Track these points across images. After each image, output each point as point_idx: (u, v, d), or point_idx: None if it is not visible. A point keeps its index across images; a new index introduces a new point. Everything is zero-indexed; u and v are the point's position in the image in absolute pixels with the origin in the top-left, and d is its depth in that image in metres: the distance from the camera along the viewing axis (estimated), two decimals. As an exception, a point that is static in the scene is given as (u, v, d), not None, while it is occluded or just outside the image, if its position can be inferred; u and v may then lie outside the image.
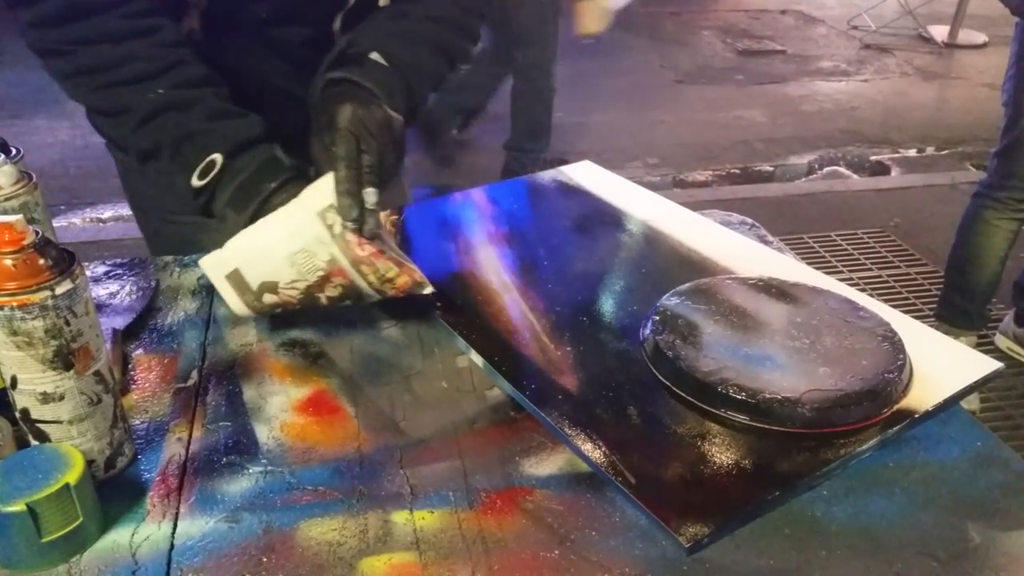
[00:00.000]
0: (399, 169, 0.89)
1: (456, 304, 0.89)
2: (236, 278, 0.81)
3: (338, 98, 0.86)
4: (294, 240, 0.80)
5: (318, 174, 0.83)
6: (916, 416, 0.73)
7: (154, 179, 0.95)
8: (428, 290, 0.83)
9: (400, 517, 0.65)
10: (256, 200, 0.84)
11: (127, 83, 0.87)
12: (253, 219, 0.83)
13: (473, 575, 0.60)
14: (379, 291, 0.82)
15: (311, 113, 0.93)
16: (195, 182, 0.86)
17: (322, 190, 0.81)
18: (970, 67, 5.40)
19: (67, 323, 0.62)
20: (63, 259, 0.63)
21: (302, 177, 0.86)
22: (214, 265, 0.82)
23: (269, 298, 0.82)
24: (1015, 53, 2.18)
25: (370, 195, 0.81)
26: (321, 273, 0.80)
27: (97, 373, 0.65)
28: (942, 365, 0.78)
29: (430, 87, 1.00)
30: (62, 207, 3.41)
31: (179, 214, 1.07)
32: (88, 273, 0.97)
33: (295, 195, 0.82)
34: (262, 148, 0.87)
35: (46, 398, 0.63)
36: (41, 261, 0.61)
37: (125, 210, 3.27)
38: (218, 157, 0.85)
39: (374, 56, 0.93)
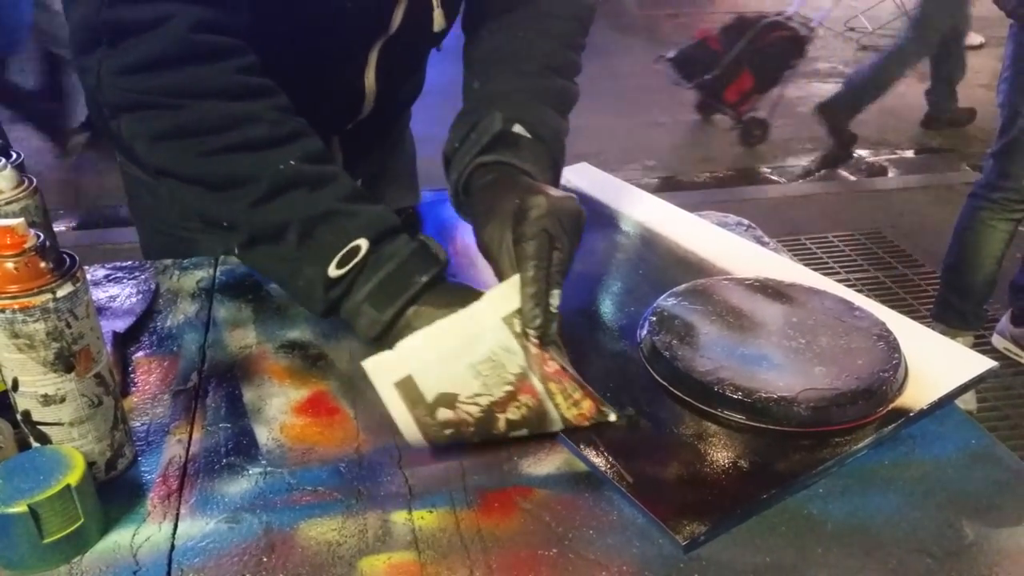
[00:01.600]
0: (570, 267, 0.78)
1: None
2: (408, 386, 0.69)
3: (506, 185, 0.79)
4: (479, 347, 0.70)
5: (497, 271, 0.75)
6: (911, 415, 0.73)
7: (262, 264, 0.82)
8: (612, 417, 0.72)
9: (399, 517, 0.66)
10: (404, 296, 0.74)
11: (248, 149, 0.75)
12: (396, 320, 0.75)
13: (471, 573, 0.61)
14: (563, 417, 0.71)
15: (459, 200, 0.86)
16: (332, 272, 0.74)
17: (508, 292, 0.71)
18: (967, 68, 5.41)
19: (68, 326, 0.62)
20: (64, 262, 0.63)
21: (445, 271, 0.78)
22: (382, 368, 0.70)
23: (444, 414, 0.69)
24: (1011, 55, 2.19)
25: (555, 297, 0.72)
26: (509, 388, 0.70)
27: (98, 375, 0.66)
28: (937, 364, 0.79)
29: (564, 147, 0.92)
30: (60, 211, 3.42)
31: (175, 227, 1.06)
32: (88, 276, 0.97)
33: (449, 293, 0.74)
34: (409, 236, 0.78)
35: (47, 400, 0.64)
36: (42, 264, 0.61)
37: (123, 214, 3.28)
38: (363, 243, 0.75)
39: (518, 130, 0.85)
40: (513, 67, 0.92)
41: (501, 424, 0.71)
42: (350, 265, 0.75)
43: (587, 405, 0.71)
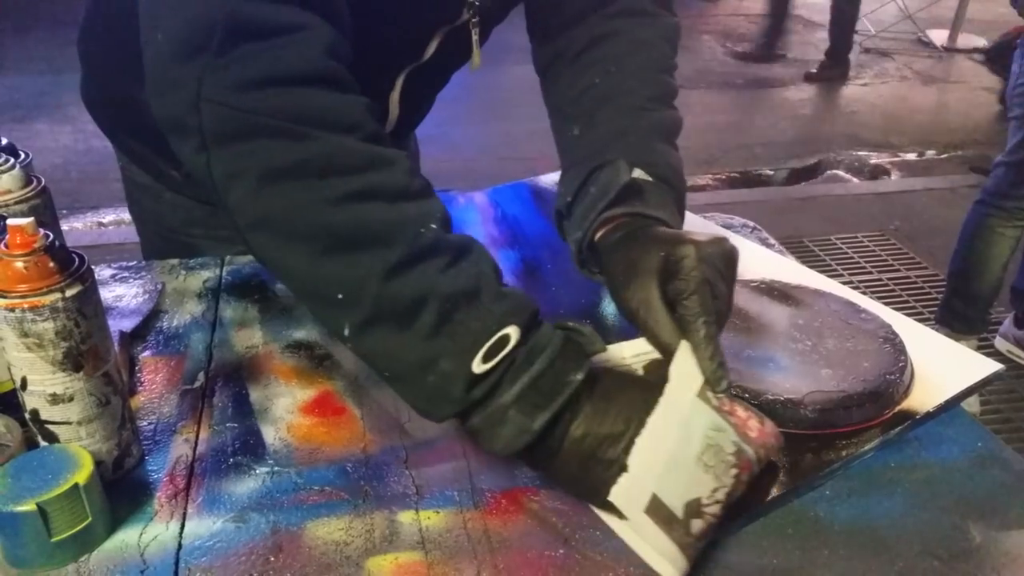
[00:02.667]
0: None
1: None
2: (657, 507, 0.60)
3: (643, 238, 0.70)
4: (693, 435, 0.62)
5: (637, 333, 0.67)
6: (917, 417, 0.73)
7: (382, 350, 0.65)
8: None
9: (406, 517, 0.66)
10: (560, 398, 0.62)
11: (386, 199, 0.62)
12: (551, 426, 0.62)
13: (478, 574, 0.61)
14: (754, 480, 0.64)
15: (582, 257, 0.78)
16: (477, 367, 0.61)
17: (687, 364, 0.64)
18: (969, 71, 5.42)
19: (77, 325, 0.62)
20: (73, 262, 0.63)
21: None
22: (629, 497, 0.61)
23: (696, 525, 0.60)
24: None
25: (720, 350, 0.64)
26: (735, 471, 0.62)
27: (106, 375, 0.66)
28: (943, 367, 0.79)
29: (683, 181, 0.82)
30: (63, 211, 3.41)
31: (176, 231, 1.05)
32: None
33: (606, 391, 0.63)
34: (553, 326, 0.65)
35: (55, 399, 0.64)
36: (51, 264, 0.61)
37: (126, 214, 3.28)
38: (514, 332, 0.62)
39: (638, 174, 0.76)
40: (615, 105, 0.84)
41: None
42: (498, 358, 0.61)
43: (768, 451, 0.65)
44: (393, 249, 0.61)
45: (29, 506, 0.58)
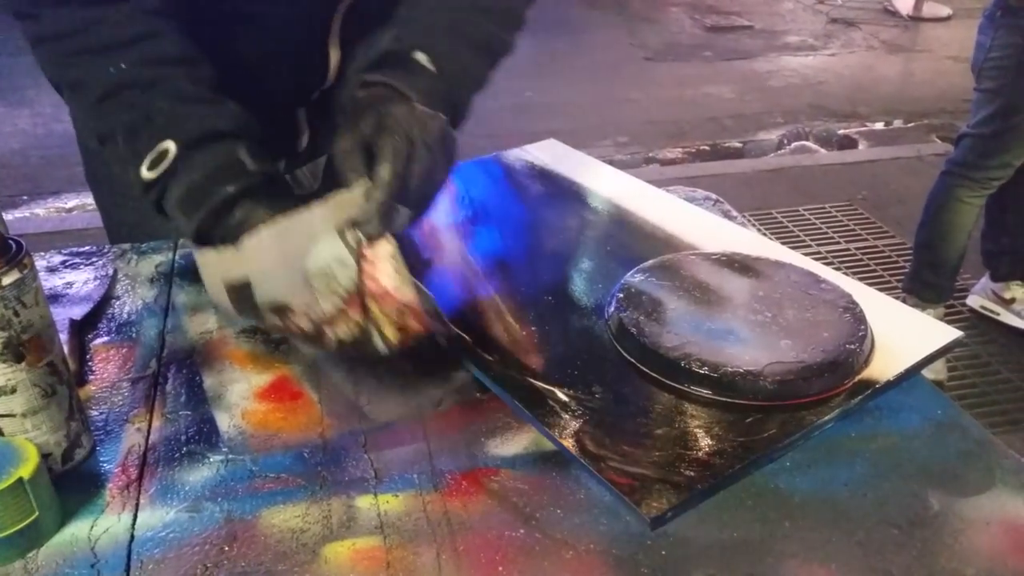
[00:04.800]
0: (435, 197, 0.76)
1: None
2: (239, 291, 0.68)
3: (382, 100, 0.75)
4: (315, 258, 0.67)
5: (333, 181, 0.71)
6: (878, 386, 0.73)
7: (112, 165, 0.83)
8: (443, 340, 0.73)
9: (364, 502, 0.65)
10: (207, 206, 0.72)
11: (89, 53, 0.77)
12: (201, 229, 0.73)
13: (438, 556, 0.60)
14: (386, 339, 0.69)
15: (339, 114, 0.80)
16: (145, 173, 0.74)
17: (351, 199, 0.68)
18: (934, 40, 5.46)
19: (16, 314, 0.60)
20: (10, 249, 0.61)
21: (274, 185, 0.76)
22: (215, 267, 0.70)
23: (271, 318, 0.69)
24: (1014, 44, 2.17)
25: (402, 216, 0.70)
26: (340, 304, 0.67)
27: (50, 364, 0.64)
28: (903, 335, 0.79)
29: (474, 93, 0.86)
30: (24, 197, 3.36)
31: (131, 196, 1.04)
32: (44, 262, 0.95)
33: (262, 207, 0.71)
34: (226, 143, 0.75)
35: (-3, 391, 0.62)
36: (-14, 251, 0.59)
37: (89, 199, 3.22)
38: (171, 146, 0.73)
39: (419, 57, 0.80)
40: (443, 1, 0.87)
41: (329, 341, 0.69)
42: (160, 169, 0.73)
43: (413, 326, 0.68)
44: (93, 89, 0.77)
45: (-30, 502, 0.57)
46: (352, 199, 0.68)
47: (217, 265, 0.70)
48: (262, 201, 0.72)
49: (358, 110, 0.75)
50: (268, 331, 0.69)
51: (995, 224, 2.50)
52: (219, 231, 0.73)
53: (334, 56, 0.96)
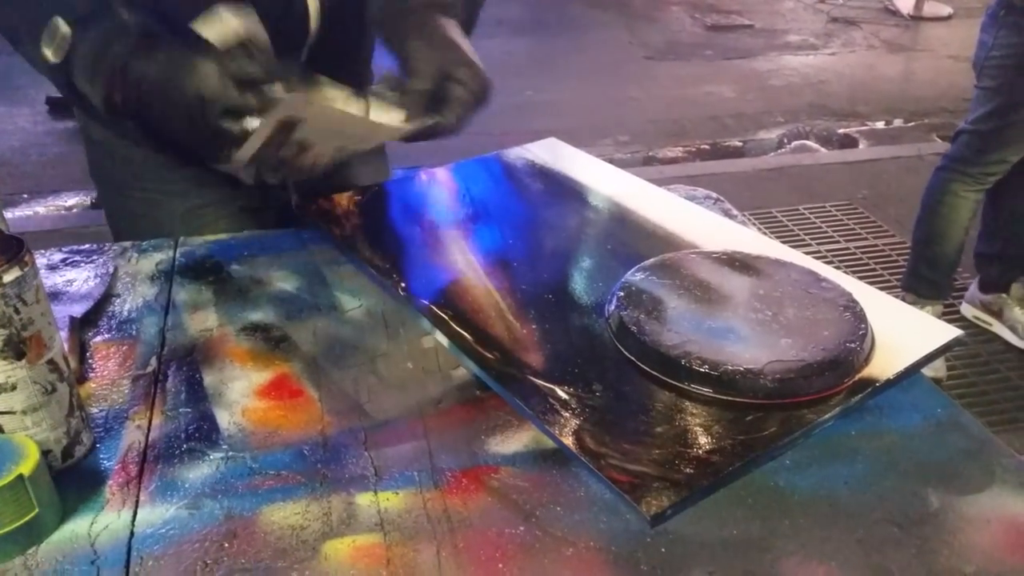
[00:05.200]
0: (456, 128, 0.93)
1: (421, 284, 0.88)
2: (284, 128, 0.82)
3: (435, 24, 0.91)
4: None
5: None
6: (878, 384, 0.73)
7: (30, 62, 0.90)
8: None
9: (364, 499, 0.65)
10: (104, 72, 0.80)
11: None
12: (108, 94, 0.81)
13: (438, 554, 0.60)
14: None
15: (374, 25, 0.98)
16: (50, 58, 0.81)
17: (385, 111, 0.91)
18: (935, 39, 5.45)
19: (16, 311, 0.60)
20: (11, 247, 0.61)
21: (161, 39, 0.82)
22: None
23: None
24: (1016, 43, 2.17)
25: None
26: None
27: (51, 362, 0.64)
28: (903, 334, 0.79)
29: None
30: (24, 195, 3.35)
31: (133, 188, 1.06)
32: (45, 260, 0.95)
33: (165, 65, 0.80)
34: (108, 16, 0.82)
35: (-3, 388, 0.62)
36: (-14, 249, 0.59)
37: (88, 198, 3.23)
38: (63, 25, 0.80)
39: None
40: None
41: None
42: (63, 51, 0.80)
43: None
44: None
45: (-30, 499, 0.57)
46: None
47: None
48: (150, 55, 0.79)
49: (414, 31, 0.90)
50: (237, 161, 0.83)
51: (990, 227, 2.50)
52: (124, 91, 0.81)
53: (314, 7, 0.96)
